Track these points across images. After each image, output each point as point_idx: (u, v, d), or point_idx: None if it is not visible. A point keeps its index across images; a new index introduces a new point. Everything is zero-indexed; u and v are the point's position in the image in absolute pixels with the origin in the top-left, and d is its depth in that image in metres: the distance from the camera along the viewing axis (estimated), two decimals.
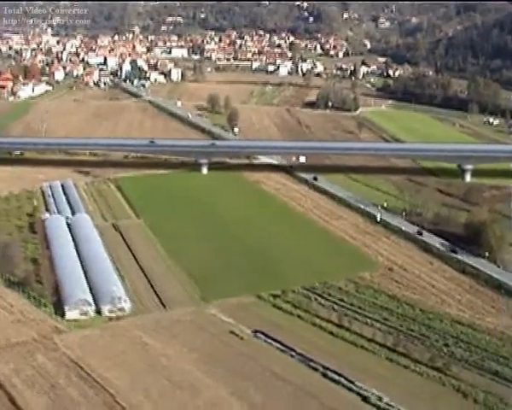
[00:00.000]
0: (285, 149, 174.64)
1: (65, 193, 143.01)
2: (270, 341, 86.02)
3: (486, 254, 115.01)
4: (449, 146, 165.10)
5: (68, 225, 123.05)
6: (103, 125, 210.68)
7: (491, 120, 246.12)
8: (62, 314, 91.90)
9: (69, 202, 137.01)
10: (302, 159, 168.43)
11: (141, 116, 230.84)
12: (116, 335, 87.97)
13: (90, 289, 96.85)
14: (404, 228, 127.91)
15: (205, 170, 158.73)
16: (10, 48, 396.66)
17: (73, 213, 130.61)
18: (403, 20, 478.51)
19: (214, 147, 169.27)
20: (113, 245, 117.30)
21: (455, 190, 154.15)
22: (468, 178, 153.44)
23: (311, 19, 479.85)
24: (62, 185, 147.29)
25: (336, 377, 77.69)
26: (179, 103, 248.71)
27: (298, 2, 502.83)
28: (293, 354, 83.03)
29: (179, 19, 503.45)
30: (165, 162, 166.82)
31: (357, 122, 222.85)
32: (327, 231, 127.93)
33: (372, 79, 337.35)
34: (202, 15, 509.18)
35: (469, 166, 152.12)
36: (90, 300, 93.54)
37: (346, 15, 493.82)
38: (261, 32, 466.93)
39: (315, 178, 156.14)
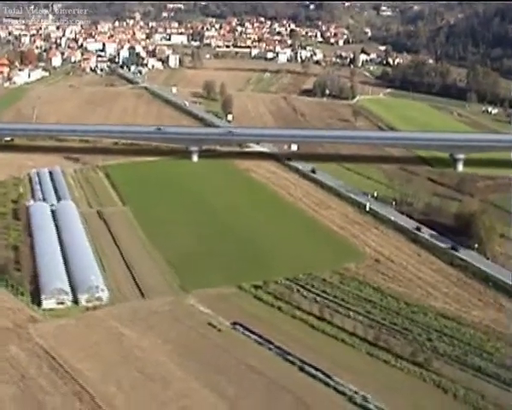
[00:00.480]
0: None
1: (52, 180, 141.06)
2: (248, 333, 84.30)
3: (476, 245, 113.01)
4: (441, 135, 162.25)
5: (53, 212, 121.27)
6: (97, 111, 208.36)
7: (489, 109, 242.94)
8: (39, 303, 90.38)
9: (56, 189, 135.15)
10: (294, 147, 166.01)
11: (135, 103, 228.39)
12: (91, 325, 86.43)
13: (69, 278, 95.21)
14: (393, 218, 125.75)
15: (195, 157, 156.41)
16: (10, 33, 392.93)
17: (59, 200, 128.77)
18: (404, 7, 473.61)
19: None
20: (96, 233, 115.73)
21: (448, 180, 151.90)
22: (460, 167, 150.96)
23: (312, 6, 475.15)
24: (50, 172, 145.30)
25: (313, 371, 76.01)
26: (174, 90, 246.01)
27: None
28: (271, 346, 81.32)
29: (180, 5, 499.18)
30: (156, 149, 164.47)
31: (352, 110, 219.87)
32: (315, 220, 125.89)
33: (371, 67, 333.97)
34: (203, 2, 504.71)
35: (461, 156, 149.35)
36: (67, 289, 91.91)
37: (347, 3, 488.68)
38: (262, 19, 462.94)
39: (313, 171, 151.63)
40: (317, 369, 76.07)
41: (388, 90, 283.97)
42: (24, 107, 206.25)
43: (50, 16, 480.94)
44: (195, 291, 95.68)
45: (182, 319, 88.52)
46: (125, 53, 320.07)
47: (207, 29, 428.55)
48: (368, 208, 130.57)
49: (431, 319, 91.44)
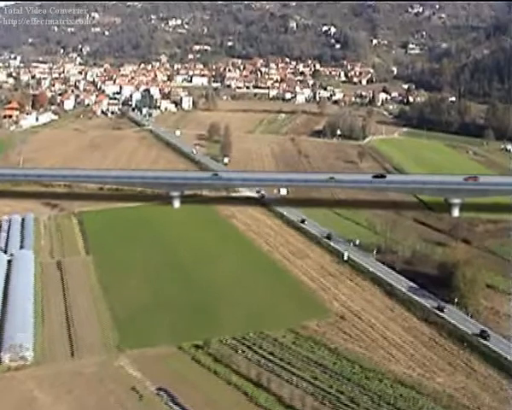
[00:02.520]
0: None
1: (22, 227, 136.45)
2: (170, 403, 76.00)
3: (456, 299, 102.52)
4: (436, 178, 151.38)
5: (9, 262, 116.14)
6: (93, 155, 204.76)
7: (508, 147, 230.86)
8: None
9: (22, 238, 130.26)
10: (283, 191, 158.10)
11: (135, 146, 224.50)
12: (7, 388, 79.95)
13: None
14: (371, 269, 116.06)
15: (177, 203, 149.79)
16: (33, 77, 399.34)
17: (22, 249, 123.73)
18: (433, 45, 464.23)
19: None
20: (47, 285, 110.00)
21: (445, 225, 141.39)
22: (455, 212, 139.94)
23: (338, 46, 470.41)
24: (23, 219, 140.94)
25: None
26: (178, 132, 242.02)
27: (325, 28, 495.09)
28: None
29: (206, 47, 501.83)
30: (139, 195, 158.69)
31: (358, 152, 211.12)
32: (286, 271, 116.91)
33: (391, 106, 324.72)
34: (230, 43, 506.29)
35: (456, 200, 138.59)
36: None
37: (375, 41, 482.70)
38: (287, 60, 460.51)
39: (302, 221, 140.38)
40: None
41: (405, 129, 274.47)
42: (19, 152, 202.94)
43: (78, 59, 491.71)
44: (131, 351, 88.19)
45: (106, 382, 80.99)
46: (137, 95, 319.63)
47: (229, 70, 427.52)
48: (346, 258, 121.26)
49: (386, 386, 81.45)
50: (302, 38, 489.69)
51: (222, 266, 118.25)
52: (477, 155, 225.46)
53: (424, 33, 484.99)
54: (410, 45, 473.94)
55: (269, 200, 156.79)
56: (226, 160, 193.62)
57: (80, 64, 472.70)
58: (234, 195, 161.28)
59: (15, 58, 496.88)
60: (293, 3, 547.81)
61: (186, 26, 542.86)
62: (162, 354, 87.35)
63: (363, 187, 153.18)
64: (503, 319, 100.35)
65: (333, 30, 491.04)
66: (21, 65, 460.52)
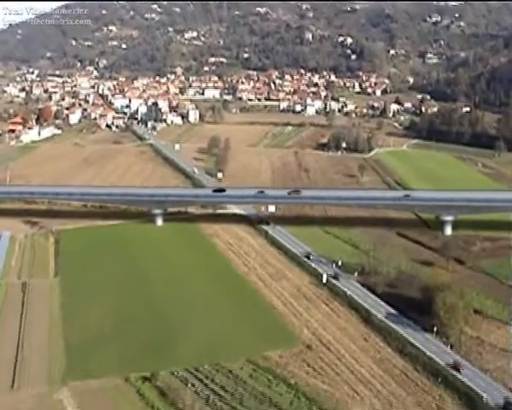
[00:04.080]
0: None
1: None
2: None
3: (435, 328, 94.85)
4: (427, 194, 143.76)
5: None
6: (86, 171, 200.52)
7: None
8: None
9: None
10: (271, 208, 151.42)
11: (132, 161, 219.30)
12: None
13: None
14: (349, 292, 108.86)
15: (159, 221, 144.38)
16: (46, 91, 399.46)
17: None
18: (451, 54, 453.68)
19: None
20: (7, 308, 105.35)
21: (438, 244, 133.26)
22: (448, 230, 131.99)
23: (354, 56, 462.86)
24: None
25: None
26: (177, 146, 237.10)
27: (341, 39, 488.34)
28: None
29: (222, 59, 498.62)
30: (122, 212, 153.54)
31: (358, 165, 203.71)
32: (259, 295, 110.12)
33: (402, 118, 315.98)
34: (245, 55, 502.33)
35: (449, 218, 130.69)
36: None
37: (392, 52, 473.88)
38: (302, 71, 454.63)
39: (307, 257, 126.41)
40: None
41: (415, 141, 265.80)
42: (6, 168, 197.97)
43: (95, 73, 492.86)
44: (74, 383, 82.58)
45: None
46: (143, 109, 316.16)
47: (242, 82, 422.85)
48: (325, 280, 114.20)
49: None
50: (318, 50, 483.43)
51: (192, 289, 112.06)
52: (486, 167, 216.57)
53: (442, 42, 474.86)
54: (428, 55, 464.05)
55: (256, 218, 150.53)
56: (220, 175, 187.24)
57: (96, 78, 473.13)
58: (220, 212, 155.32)
59: (33, 72, 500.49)
60: (311, 14, 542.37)
61: (202, 38, 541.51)
62: (107, 387, 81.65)
63: None
64: (487, 350, 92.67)
65: (349, 40, 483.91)
66: (37, 79, 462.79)
